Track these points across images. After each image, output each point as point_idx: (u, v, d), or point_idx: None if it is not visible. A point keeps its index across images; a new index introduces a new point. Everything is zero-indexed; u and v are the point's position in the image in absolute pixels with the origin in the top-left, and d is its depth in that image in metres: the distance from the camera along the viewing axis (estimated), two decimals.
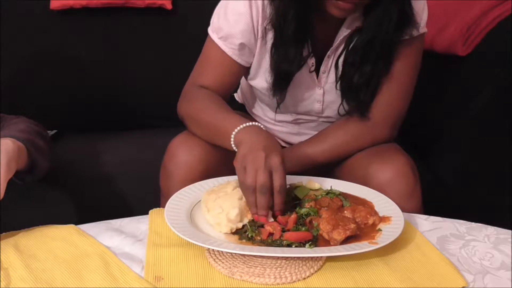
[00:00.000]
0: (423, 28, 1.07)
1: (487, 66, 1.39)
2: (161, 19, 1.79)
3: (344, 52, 1.06)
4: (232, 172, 1.02)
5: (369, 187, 0.99)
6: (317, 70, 1.10)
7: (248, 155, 0.87)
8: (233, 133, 0.94)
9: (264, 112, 1.26)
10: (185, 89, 1.12)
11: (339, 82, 1.08)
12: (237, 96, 1.37)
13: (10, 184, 0.85)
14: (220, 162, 1.04)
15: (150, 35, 1.80)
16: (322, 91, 1.12)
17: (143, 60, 1.80)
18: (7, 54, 1.68)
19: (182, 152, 1.03)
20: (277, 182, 0.85)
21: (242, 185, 0.87)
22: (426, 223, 0.94)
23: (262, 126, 0.95)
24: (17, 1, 1.71)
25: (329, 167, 1.16)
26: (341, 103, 1.11)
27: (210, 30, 1.10)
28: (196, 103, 1.07)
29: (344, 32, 1.05)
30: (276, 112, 1.18)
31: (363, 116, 1.10)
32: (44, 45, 1.74)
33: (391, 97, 1.10)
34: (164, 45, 1.81)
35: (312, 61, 1.08)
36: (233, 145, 0.95)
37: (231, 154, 1.05)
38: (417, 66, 1.11)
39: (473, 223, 0.94)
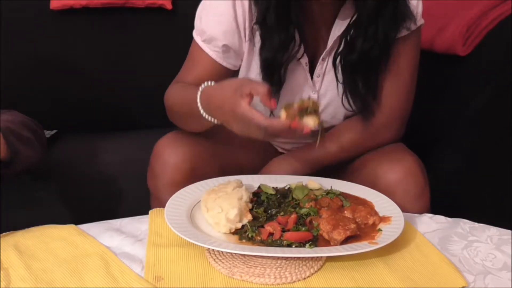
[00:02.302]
0: (419, 21, 1.05)
1: (487, 66, 1.39)
2: (161, 19, 1.79)
3: (341, 49, 1.04)
4: (218, 171, 1.02)
5: (378, 187, 0.99)
6: (311, 74, 1.09)
7: (233, 128, 0.86)
8: (198, 102, 0.92)
9: None
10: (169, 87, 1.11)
11: (341, 82, 1.07)
12: None
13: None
14: (206, 162, 1.04)
15: (150, 35, 1.81)
16: (316, 95, 1.11)
17: (143, 60, 1.81)
18: (7, 54, 1.68)
19: (167, 152, 1.02)
20: (260, 89, 0.82)
21: (274, 132, 0.83)
22: (430, 223, 0.94)
23: (211, 83, 0.93)
24: (17, 1, 1.71)
25: (336, 167, 1.15)
26: (345, 96, 1.08)
27: (194, 33, 1.08)
28: (171, 93, 1.06)
29: (337, 32, 1.03)
30: (270, 115, 1.16)
31: (367, 116, 1.09)
32: (44, 45, 1.75)
33: (395, 96, 1.09)
34: (164, 45, 1.81)
35: (305, 61, 1.06)
36: (207, 116, 0.92)
37: (217, 152, 1.04)
38: (417, 60, 1.10)
39: (476, 223, 0.94)
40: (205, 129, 1.02)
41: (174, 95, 1.06)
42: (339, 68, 1.06)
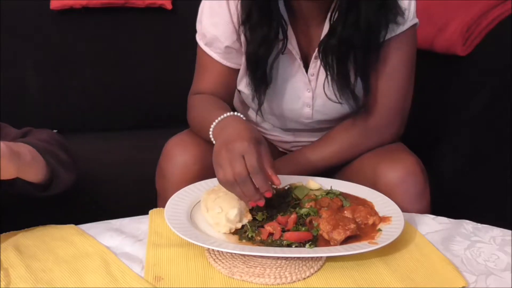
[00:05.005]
0: (413, 20, 1.03)
1: (487, 66, 1.39)
2: (161, 19, 1.79)
3: (323, 35, 1.02)
4: None
5: (378, 187, 0.99)
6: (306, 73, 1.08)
7: (220, 151, 0.85)
8: (211, 127, 0.94)
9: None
10: (188, 99, 1.12)
11: (329, 78, 1.04)
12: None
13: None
14: None
15: (150, 35, 1.81)
16: (311, 94, 1.09)
17: (143, 60, 1.80)
18: (7, 54, 1.68)
19: (177, 153, 1.02)
20: (248, 163, 0.82)
21: (222, 182, 0.85)
22: (433, 224, 0.94)
23: (242, 116, 0.94)
24: (17, 1, 1.71)
25: (336, 168, 1.14)
26: (331, 87, 1.05)
27: (197, 37, 1.09)
28: (194, 112, 1.07)
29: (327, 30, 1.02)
30: (257, 114, 1.13)
31: (363, 117, 1.08)
32: (44, 45, 1.74)
33: (390, 97, 1.08)
34: (164, 45, 1.81)
35: (299, 57, 1.05)
36: (212, 139, 0.94)
37: None
38: (413, 60, 1.08)
39: (479, 224, 0.93)
40: None
41: (194, 106, 1.08)
42: (323, 55, 1.03)
